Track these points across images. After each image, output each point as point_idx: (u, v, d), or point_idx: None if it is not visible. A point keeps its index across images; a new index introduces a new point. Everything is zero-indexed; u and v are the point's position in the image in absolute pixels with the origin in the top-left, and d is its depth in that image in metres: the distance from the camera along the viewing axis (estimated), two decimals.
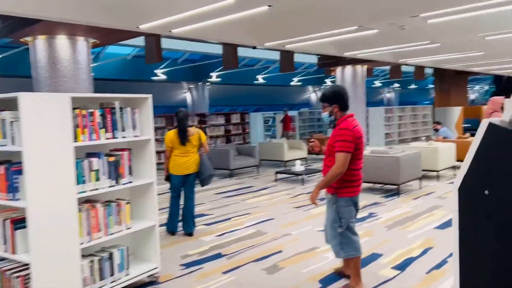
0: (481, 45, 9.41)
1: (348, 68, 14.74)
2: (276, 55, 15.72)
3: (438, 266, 4.13)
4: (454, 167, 9.25)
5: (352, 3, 5.40)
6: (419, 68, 19.77)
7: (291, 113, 19.41)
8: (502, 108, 6.71)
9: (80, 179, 3.26)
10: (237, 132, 14.16)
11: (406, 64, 15.97)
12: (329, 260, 4.31)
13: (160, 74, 16.17)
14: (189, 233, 5.41)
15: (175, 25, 6.22)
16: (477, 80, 30.06)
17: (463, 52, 10.49)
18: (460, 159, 9.45)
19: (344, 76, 14.79)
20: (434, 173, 8.72)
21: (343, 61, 14.60)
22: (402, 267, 4.14)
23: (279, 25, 6.65)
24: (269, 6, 5.23)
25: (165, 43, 10.42)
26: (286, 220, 6.02)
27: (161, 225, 5.61)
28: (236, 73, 18.72)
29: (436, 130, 10.57)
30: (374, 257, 4.43)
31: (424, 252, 4.51)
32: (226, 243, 5.06)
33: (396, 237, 5.08)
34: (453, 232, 2.42)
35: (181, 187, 5.46)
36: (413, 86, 32.48)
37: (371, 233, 5.24)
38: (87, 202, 3.40)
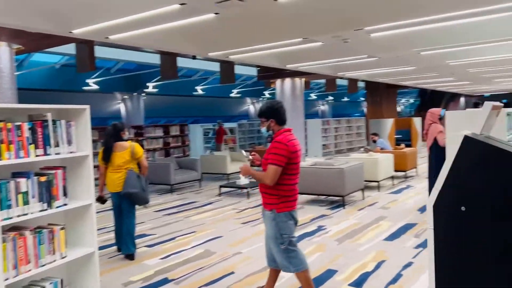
0: (414, 60, 9.87)
1: (288, 81, 14.88)
2: (215, 66, 15.50)
3: (394, 280, 4.08)
4: (392, 177, 9.53)
5: (300, 15, 5.34)
6: (353, 82, 20.56)
7: (231, 125, 19.24)
8: (440, 119, 6.97)
9: (4, 204, 2.78)
10: (176, 144, 13.69)
11: (342, 78, 16.49)
12: (285, 279, 4.10)
13: (92, 84, 15.28)
14: (128, 255, 4.97)
15: (112, 31, 5.79)
16: (404, 93, 31.95)
17: (398, 67, 10.96)
18: (397, 169, 9.79)
19: (284, 88, 14.92)
20: (375, 184, 8.91)
21: (282, 74, 14.73)
22: (358, 283, 4.04)
23: (224, 34, 6.44)
24: (216, 13, 5.01)
25: (97, 52, 9.81)
26: (234, 237, 5.74)
27: (100, 248, 5.12)
28: (174, 84, 18.25)
29: (374, 141, 10.89)
30: (329, 273, 4.30)
31: (378, 266, 4.46)
32: (173, 266, 4.69)
33: (348, 251, 5.00)
34: (428, 250, 2.32)
35: (120, 204, 5.04)
36: (345, 99, 33.79)
37: (322, 248, 5.13)
38: (13, 229, 2.91)
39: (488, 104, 2.22)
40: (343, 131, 18.53)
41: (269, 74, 15.13)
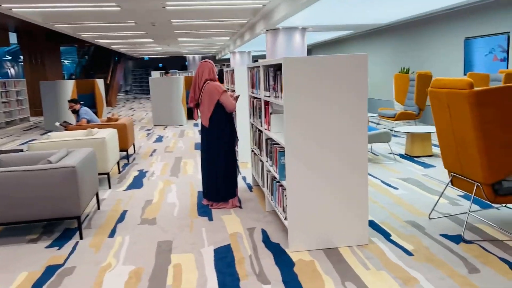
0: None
1: None
2: None
3: None
4: (118, 163, 6.55)
5: None
6: (3, 32, 15.47)
7: None
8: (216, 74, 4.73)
9: None
10: None
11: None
12: None
13: None
14: None
15: None
16: (64, 53, 27.73)
17: (99, 4, 7.73)
18: (122, 149, 6.91)
19: None
20: (103, 176, 5.77)
21: None
22: None
23: None
24: None
25: None
26: None
27: None
28: None
29: (75, 111, 7.38)
30: None
31: None
32: None
33: None
34: None
35: None
36: None
37: None
38: None
39: None
40: None
41: None
